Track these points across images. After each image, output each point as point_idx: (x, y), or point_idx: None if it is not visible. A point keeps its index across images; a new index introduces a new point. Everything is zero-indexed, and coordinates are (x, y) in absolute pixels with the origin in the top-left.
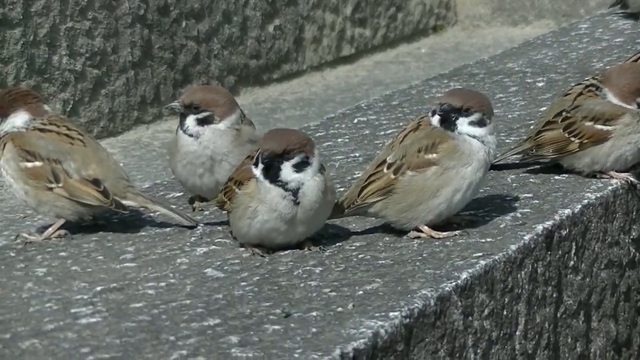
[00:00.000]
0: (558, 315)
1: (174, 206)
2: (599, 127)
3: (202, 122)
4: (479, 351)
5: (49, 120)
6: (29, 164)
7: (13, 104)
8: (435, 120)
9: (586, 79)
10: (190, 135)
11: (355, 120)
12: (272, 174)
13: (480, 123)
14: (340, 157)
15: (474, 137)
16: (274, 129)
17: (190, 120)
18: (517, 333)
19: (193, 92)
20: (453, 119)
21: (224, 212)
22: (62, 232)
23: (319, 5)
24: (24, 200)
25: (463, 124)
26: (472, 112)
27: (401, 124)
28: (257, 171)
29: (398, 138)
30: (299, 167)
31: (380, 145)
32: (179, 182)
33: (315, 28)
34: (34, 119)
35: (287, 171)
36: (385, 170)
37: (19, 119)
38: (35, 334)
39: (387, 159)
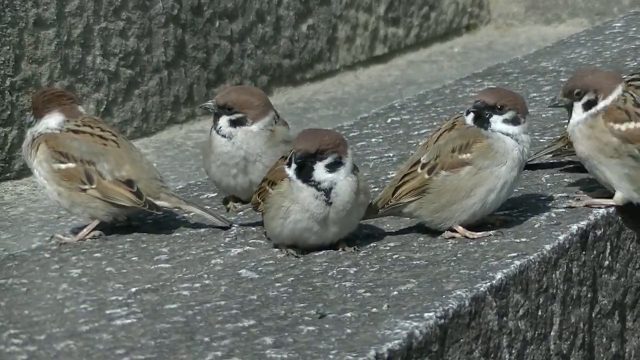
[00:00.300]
0: (593, 315)
1: (207, 207)
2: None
3: (234, 123)
4: (513, 352)
5: (83, 122)
6: (63, 166)
7: (47, 105)
8: (470, 118)
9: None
10: (224, 136)
11: (389, 120)
12: (305, 174)
13: (514, 121)
14: (374, 157)
15: (507, 135)
16: (307, 129)
17: (224, 121)
18: (551, 333)
19: (227, 93)
20: (487, 116)
21: (258, 212)
22: (97, 233)
23: (352, 5)
24: (57, 202)
25: (497, 122)
26: (506, 110)
27: (435, 123)
28: (290, 171)
29: (432, 138)
30: (332, 167)
31: (414, 145)
32: (213, 182)
33: (348, 27)
34: (68, 121)
35: (320, 171)
36: (419, 170)
37: (52, 120)
38: (70, 335)
39: (422, 158)
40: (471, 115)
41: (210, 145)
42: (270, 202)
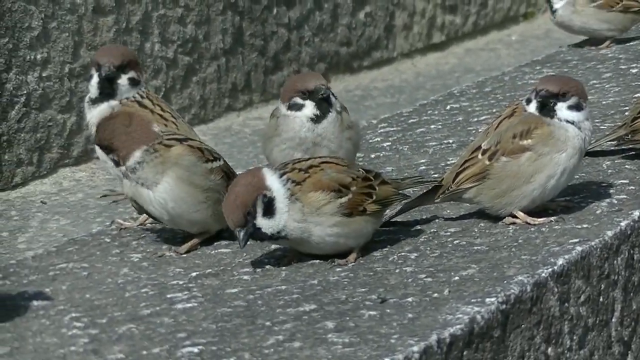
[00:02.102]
0: None
1: None
2: None
3: (323, 106)
4: (575, 337)
5: (147, 95)
6: None
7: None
8: (533, 107)
9: None
10: (313, 120)
11: (448, 107)
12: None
13: (577, 107)
14: (434, 143)
15: (572, 122)
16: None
17: (311, 105)
18: (613, 320)
19: (318, 78)
20: (552, 104)
21: None
22: None
23: None
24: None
25: (562, 109)
26: (570, 97)
27: (494, 110)
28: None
29: (493, 125)
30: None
31: (474, 131)
32: None
33: (405, 15)
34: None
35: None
36: (479, 156)
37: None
38: (131, 319)
39: (482, 145)
40: (534, 104)
41: (275, 129)
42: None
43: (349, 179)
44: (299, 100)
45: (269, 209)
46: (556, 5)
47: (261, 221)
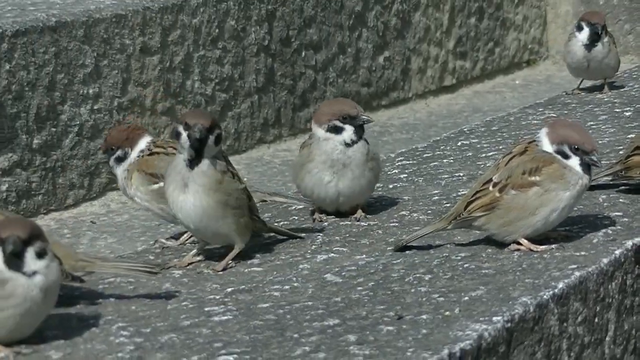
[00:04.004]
0: None
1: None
2: None
3: (359, 133)
4: (572, 354)
5: (155, 144)
6: (156, 186)
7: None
8: (548, 144)
9: None
10: (347, 144)
11: (459, 143)
12: None
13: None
14: (446, 176)
15: (585, 165)
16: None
17: (351, 131)
18: (607, 339)
19: (356, 105)
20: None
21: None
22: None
23: (424, 40)
24: (161, 217)
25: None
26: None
27: (501, 147)
28: None
29: (503, 160)
30: None
31: (482, 166)
32: (303, 195)
33: (420, 60)
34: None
35: None
36: (491, 188)
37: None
38: (173, 329)
39: (494, 178)
40: (555, 145)
41: (309, 156)
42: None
43: None
44: (339, 123)
45: None
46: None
47: None
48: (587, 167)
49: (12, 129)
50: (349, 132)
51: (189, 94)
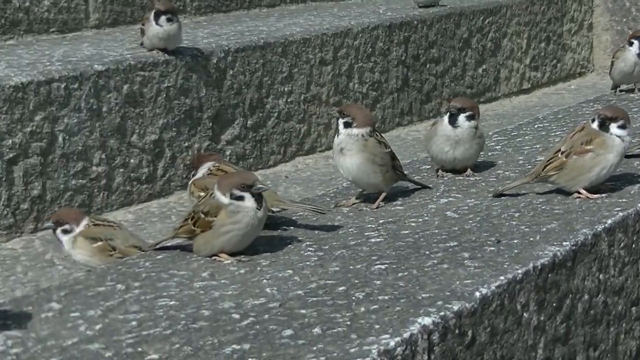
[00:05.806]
0: None
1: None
2: None
3: (469, 118)
4: (616, 269)
5: (218, 167)
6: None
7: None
8: (595, 125)
9: None
10: (456, 126)
11: (535, 126)
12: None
13: (623, 127)
14: (527, 147)
15: (619, 136)
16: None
17: (462, 118)
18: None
19: (463, 100)
20: (607, 124)
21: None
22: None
23: (510, 57)
24: None
25: (613, 127)
26: (619, 120)
27: (565, 129)
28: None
29: (568, 136)
30: None
31: (551, 141)
32: (430, 157)
33: (506, 71)
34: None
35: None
36: (559, 155)
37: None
38: (343, 247)
39: (561, 148)
40: (596, 123)
41: (435, 132)
42: None
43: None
44: (454, 111)
45: None
46: None
47: None
48: (602, 125)
49: (233, 114)
50: (456, 118)
51: (351, 92)
